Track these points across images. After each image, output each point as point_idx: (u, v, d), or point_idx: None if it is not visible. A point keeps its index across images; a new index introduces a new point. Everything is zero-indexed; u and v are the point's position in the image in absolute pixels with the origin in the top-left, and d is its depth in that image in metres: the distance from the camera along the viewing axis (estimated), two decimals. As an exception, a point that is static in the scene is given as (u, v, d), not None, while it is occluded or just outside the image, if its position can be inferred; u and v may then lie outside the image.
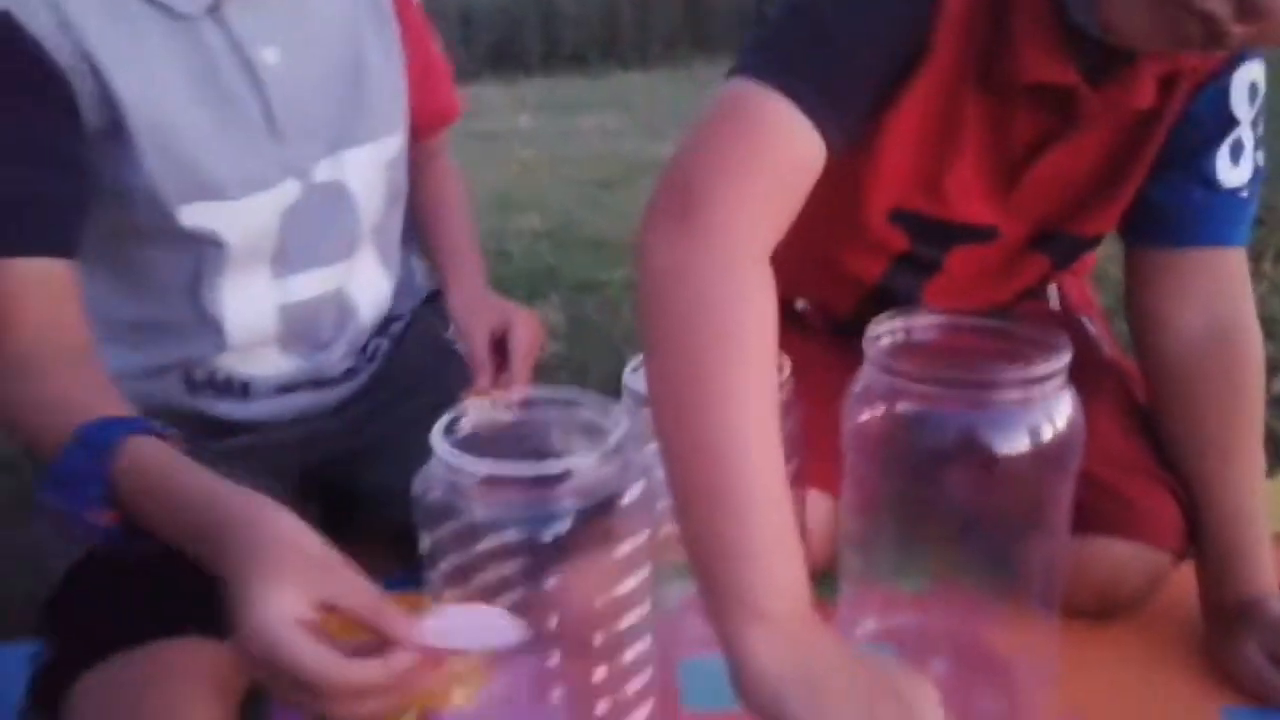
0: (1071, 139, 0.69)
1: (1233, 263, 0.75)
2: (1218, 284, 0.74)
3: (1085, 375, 0.75)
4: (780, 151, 0.57)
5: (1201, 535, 0.72)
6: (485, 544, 0.55)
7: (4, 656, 0.73)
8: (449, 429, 0.57)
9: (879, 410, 0.62)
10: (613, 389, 0.71)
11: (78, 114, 0.63)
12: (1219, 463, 0.73)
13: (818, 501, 0.73)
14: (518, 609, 0.57)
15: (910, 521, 0.64)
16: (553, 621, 0.57)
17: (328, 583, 0.47)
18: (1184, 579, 0.74)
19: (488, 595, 0.57)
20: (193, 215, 0.68)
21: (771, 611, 0.47)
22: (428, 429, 0.58)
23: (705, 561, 0.49)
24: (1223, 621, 0.71)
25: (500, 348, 0.78)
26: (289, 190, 0.72)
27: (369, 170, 0.78)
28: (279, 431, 0.79)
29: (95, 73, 0.63)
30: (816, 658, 0.46)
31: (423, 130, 0.86)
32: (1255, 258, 1.62)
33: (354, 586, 0.48)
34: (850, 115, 0.60)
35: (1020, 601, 0.65)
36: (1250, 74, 0.71)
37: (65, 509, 0.54)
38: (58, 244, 0.63)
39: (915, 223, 0.75)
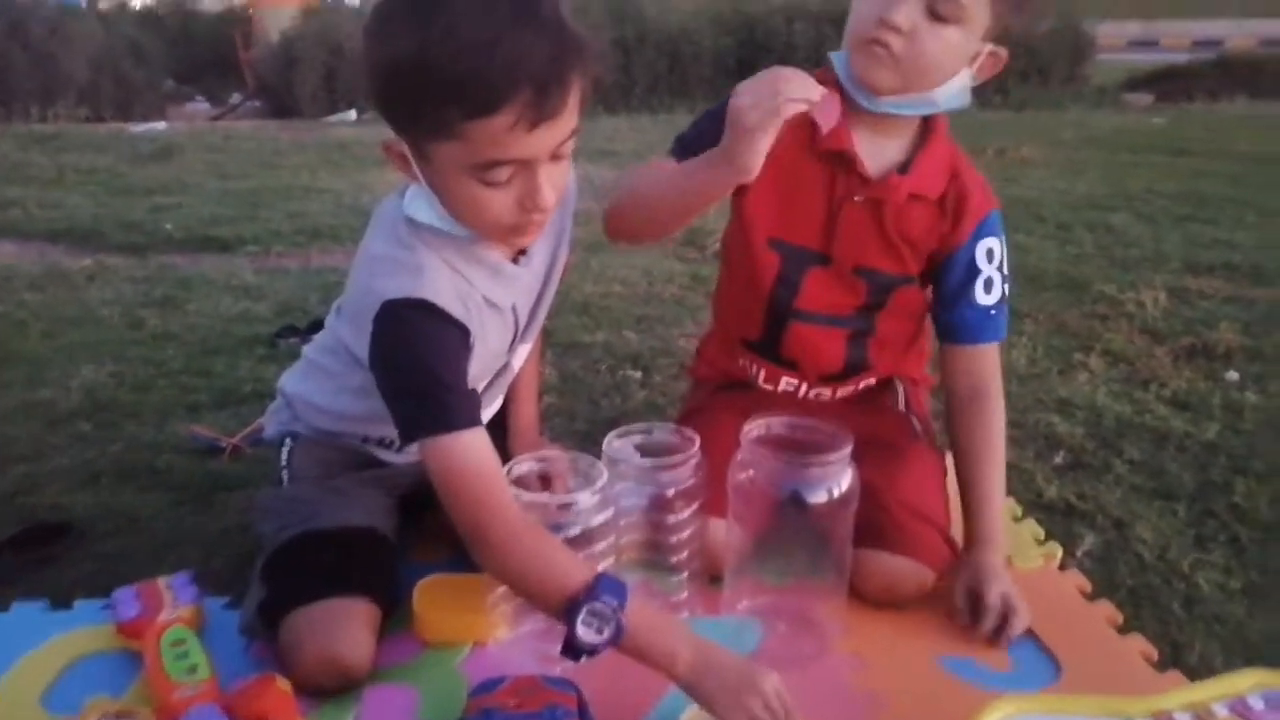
0: (863, 202, 1.17)
1: (987, 353, 1.23)
2: (977, 366, 1.23)
3: (908, 453, 1.24)
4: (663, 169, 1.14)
5: (964, 509, 1.20)
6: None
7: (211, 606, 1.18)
8: (509, 471, 1.03)
9: (749, 474, 1.08)
10: (593, 432, 1.15)
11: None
12: (973, 469, 1.21)
13: (717, 525, 1.18)
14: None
15: (767, 540, 1.11)
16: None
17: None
18: (940, 588, 1.18)
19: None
20: None
21: None
22: None
23: None
24: (962, 565, 1.18)
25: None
26: (487, 378, 1.15)
27: (526, 352, 1.22)
28: (404, 468, 1.22)
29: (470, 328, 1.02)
30: None
31: None
32: (1085, 350, 2.12)
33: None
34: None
35: (826, 588, 1.12)
36: (987, 245, 1.20)
37: (615, 604, 0.89)
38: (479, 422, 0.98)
39: (783, 247, 1.22)
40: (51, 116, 6.54)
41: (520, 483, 1.04)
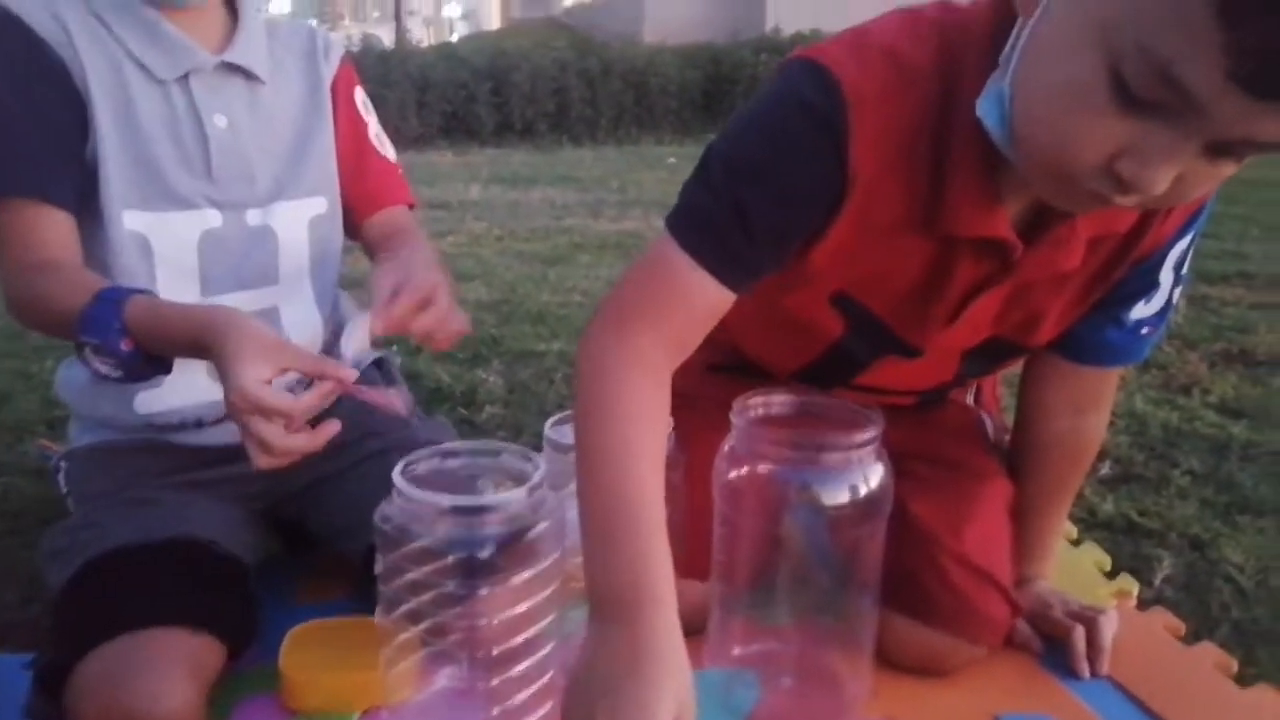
0: (1004, 286, 0.78)
1: (1110, 379, 0.91)
2: (1091, 395, 0.91)
3: (982, 480, 0.93)
4: (690, 299, 0.73)
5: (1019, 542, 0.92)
6: (430, 566, 0.70)
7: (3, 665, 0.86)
8: (404, 471, 0.72)
9: (742, 469, 0.79)
10: (542, 448, 0.87)
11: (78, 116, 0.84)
12: (1040, 511, 0.95)
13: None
14: (452, 623, 0.72)
15: (766, 563, 0.81)
16: (477, 629, 0.72)
17: (283, 356, 0.73)
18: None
19: (430, 608, 0.72)
20: (131, 220, 0.86)
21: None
22: (372, 472, 0.73)
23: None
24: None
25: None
26: (209, 217, 0.89)
27: (296, 221, 0.96)
28: (242, 463, 0.82)
29: (84, 74, 0.84)
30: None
31: (359, 210, 1.02)
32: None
33: (300, 354, 0.75)
34: (753, 269, 0.74)
35: (848, 630, 0.82)
36: (1179, 250, 0.81)
37: (99, 342, 0.75)
38: (67, 200, 0.83)
39: (853, 308, 0.82)
40: None
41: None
